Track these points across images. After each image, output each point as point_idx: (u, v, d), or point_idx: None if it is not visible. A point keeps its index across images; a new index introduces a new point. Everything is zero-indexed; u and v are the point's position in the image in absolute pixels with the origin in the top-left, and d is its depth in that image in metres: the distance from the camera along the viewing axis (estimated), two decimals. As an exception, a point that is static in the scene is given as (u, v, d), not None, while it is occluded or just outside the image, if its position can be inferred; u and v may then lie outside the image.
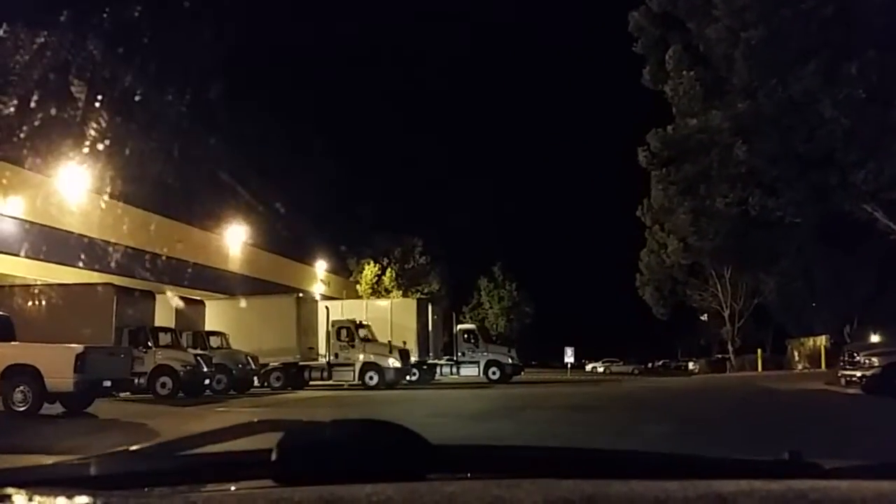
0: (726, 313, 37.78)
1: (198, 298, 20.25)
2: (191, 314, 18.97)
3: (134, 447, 1.13)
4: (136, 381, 14.71)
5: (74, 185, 20.60)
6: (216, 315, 20.38)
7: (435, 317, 26.07)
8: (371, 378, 21.51)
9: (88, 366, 10.80)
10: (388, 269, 40.39)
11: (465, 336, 26.87)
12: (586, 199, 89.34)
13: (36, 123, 16.38)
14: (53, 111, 16.87)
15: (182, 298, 19.15)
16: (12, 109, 15.83)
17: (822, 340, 32.04)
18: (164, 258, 23.41)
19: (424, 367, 24.84)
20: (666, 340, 59.43)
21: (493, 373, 25.83)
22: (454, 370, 26.19)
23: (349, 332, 22.20)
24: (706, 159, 22.06)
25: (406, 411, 12.14)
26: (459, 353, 26.33)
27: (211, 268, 28.43)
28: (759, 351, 35.43)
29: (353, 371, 21.85)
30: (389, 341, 22.51)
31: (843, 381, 15.93)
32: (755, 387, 20.33)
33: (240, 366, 18.83)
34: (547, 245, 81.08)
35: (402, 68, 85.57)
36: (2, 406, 10.85)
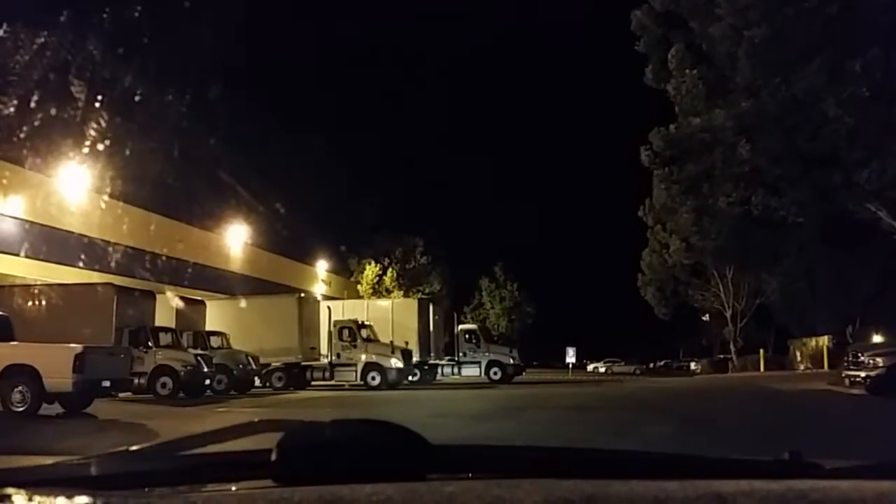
0: (728, 313, 37.69)
1: (198, 298, 20.19)
2: (191, 314, 18.91)
3: (134, 447, 1.12)
4: (136, 381, 14.65)
5: (74, 185, 20.56)
6: (218, 315, 20.33)
7: (436, 317, 26.01)
8: (373, 378, 21.45)
9: (87, 366, 10.73)
10: (390, 270, 40.34)
11: (467, 336, 26.81)
12: (588, 199, 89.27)
13: (36, 123, 16.34)
14: (53, 111, 16.82)
15: (182, 298, 19.09)
16: (12, 109, 15.79)
17: (824, 341, 31.94)
18: (164, 258, 23.36)
19: (426, 367, 24.77)
20: (667, 341, 59.41)
21: (495, 373, 25.77)
22: (455, 370, 26.13)
23: (351, 333, 22.15)
24: (709, 158, 21.99)
25: (407, 411, 12.08)
26: (461, 354, 26.28)
27: (211, 268, 28.38)
28: (762, 351, 35.34)
29: (355, 371, 21.79)
30: (391, 341, 22.46)
31: (846, 381, 15.84)
32: (758, 387, 20.23)
33: (240, 366, 18.77)
34: (548, 245, 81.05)
35: (402, 68, 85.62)
36: (0, 407, 10.79)
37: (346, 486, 0.79)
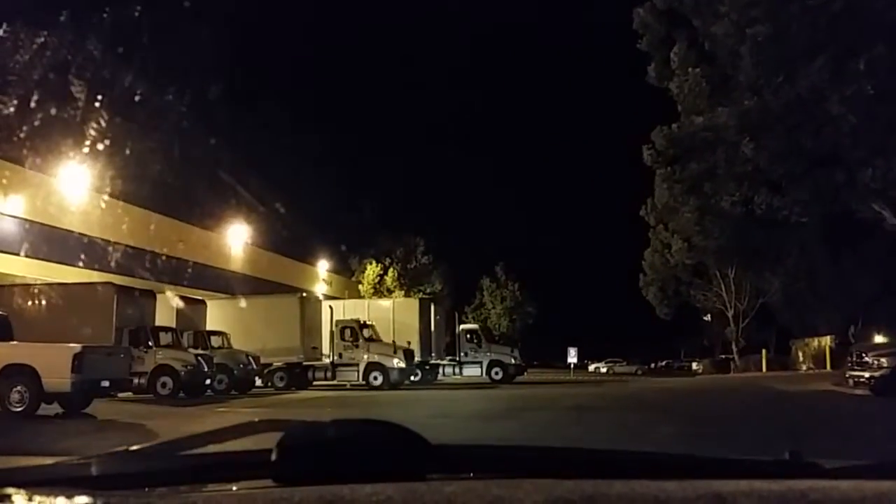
0: (730, 313, 37.60)
1: (199, 298, 20.13)
2: (192, 314, 18.84)
3: (134, 447, 1.12)
4: (136, 381, 14.60)
5: (75, 185, 20.51)
6: (219, 315, 20.28)
7: (437, 317, 25.93)
8: (375, 378, 21.38)
9: (86, 366, 10.67)
10: (391, 269, 40.27)
11: (468, 336, 26.75)
12: (589, 199, 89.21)
13: (36, 123, 16.31)
14: (53, 111, 16.79)
15: (183, 298, 19.03)
16: (12, 109, 15.75)
17: (827, 341, 31.87)
18: (164, 257, 23.30)
19: (427, 367, 24.70)
20: (669, 341, 59.32)
21: (496, 373, 25.71)
22: (457, 370, 26.08)
23: (353, 332, 22.08)
24: (712, 157, 21.87)
25: (409, 412, 12.01)
26: (462, 354, 26.23)
27: (212, 267, 28.31)
28: (764, 351, 35.25)
29: (357, 371, 21.73)
30: (394, 341, 22.39)
31: (850, 381, 15.77)
32: (762, 388, 20.15)
33: (241, 366, 18.71)
34: (550, 245, 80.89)
35: (404, 67, 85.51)
36: (-1, 407, 10.72)
37: (347, 486, 0.79)
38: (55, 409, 11.08)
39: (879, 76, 17.13)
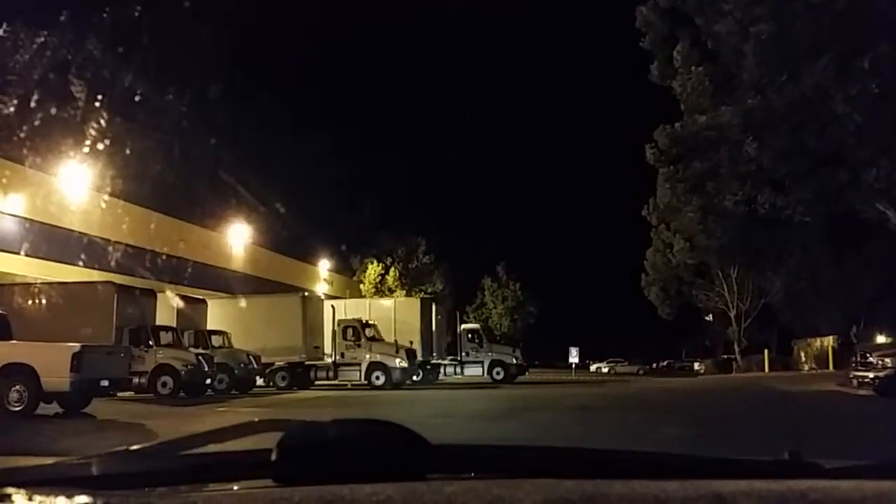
0: (732, 313, 37.51)
1: (199, 297, 20.08)
2: (192, 313, 18.79)
3: (134, 447, 1.12)
4: (136, 380, 14.54)
5: (75, 184, 20.46)
6: (221, 314, 20.23)
7: (439, 316, 25.87)
8: (377, 378, 21.32)
9: (85, 365, 10.61)
10: (392, 269, 40.21)
11: (469, 336, 26.69)
12: (591, 199, 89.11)
13: (36, 123, 16.27)
14: (54, 110, 16.76)
15: (183, 297, 18.97)
16: (12, 109, 15.71)
17: (829, 341, 31.81)
18: (165, 257, 23.22)
19: (428, 367, 24.65)
20: (670, 341, 59.27)
21: (497, 373, 25.65)
22: (458, 370, 26.02)
23: (355, 332, 22.02)
24: (715, 156, 21.78)
25: (410, 411, 11.95)
26: (463, 353, 26.18)
27: (213, 266, 28.25)
28: (766, 351, 35.16)
29: (360, 371, 21.67)
30: (396, 341, 22.32)
31: (854, 382, 15.70)
32: (765, 388, 20.07)
33: (242, 365, 18.65)
34: (551, 244, 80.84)
35: (404, 68, 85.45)
36: (-2, 406, 10.65)
37: (347, 486, 0.79)
38: (54, 408, 11.02)
39: (884, 75, 17.04)
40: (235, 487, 0.94)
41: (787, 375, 27.82)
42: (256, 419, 1.14)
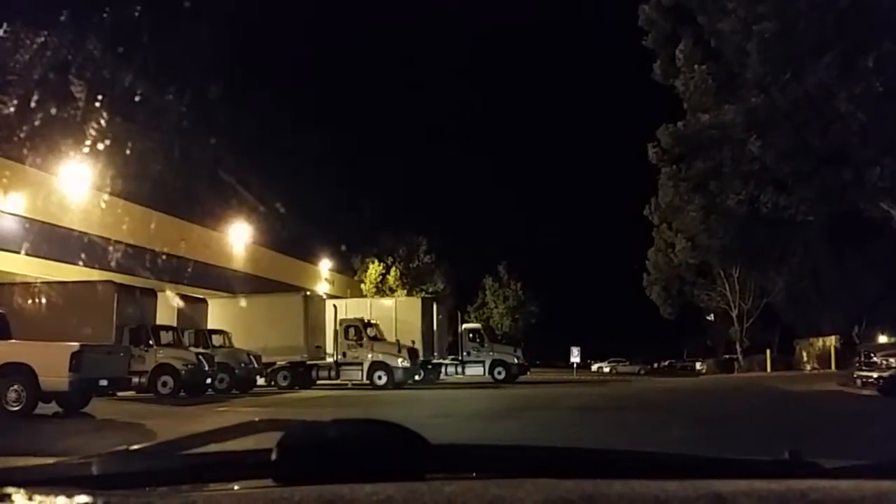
0: (734, 313, 37.44)
1: (200, 297, 20.03)
2: (193, 312, 18.74)
3: (134, 447, 1.13)
4: (137, 380, 14.49)
5: (75, 183, 20.41)
6: (222, 314, 20.20)
7: (440, 316, 25.81)
8: (380, 378, 21.27)
9: (84, 364, 10.54)
10: (393, 268, 40.15)
11: (471, 336, 26.63)
12: (592, 198, 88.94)
13: (37, 122, 16.25)
14: (54, 110, 16.75)
15: (184, 297, 18.93)
16: (13, 108, 15.68)
17: (831, 341, 31.76)
18: (165, 256, 23.17)
19: (429, 366, 24.59)
20: (672, 340, 59.17)
21: (499, 372, 25.58)
22: (459, 370, 25.96)
23: (357, 331, 21.97)
24: (718, 155, 21.67)
25: (411, 411, 11.90)
26: (465, 353, 26.12)
27: (214, 266, 28.19)
28: (768, 351, 35.08)
29: (362, 370, 21.62)
30: (398, 340, 22.25)
31: (858, 382, 15.66)
32: (768, 388, 19.99)
33: (242, 365, 18.60)
34: (553, 244, 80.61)
35: (404, 68, 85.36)
36: (-4, 406, 10.58)
37: (347, 486, 0.79)
38: (53, 407, 10.96)
39: (888, 73, 16.95)
40: (236, 487, 0.94)
41: (789, 375, 27.74)
42: (257, 419, 1.14)
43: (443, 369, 25.90)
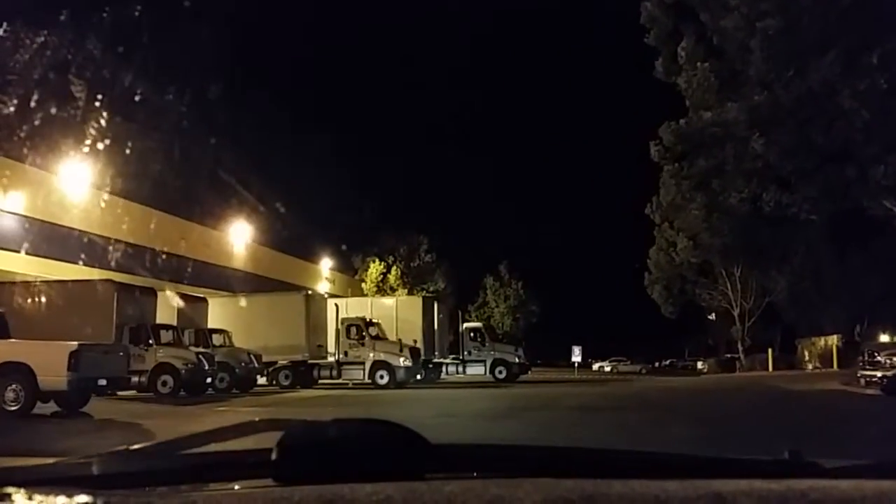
0: (736, 312, 37.34)
1: (200, 296, 19.98)
2: (193, 312, 18.69)
3: (134, 447, 1.12)
4: (136, 379, 14.43)
5: (76, 182, 20.38)
6: (223, 313, 20.14)
7: (441, 315, 25.75)
8: (381, 377, 21.20)
9: (83, 364, 10.47)
10: (394, 268, 40.09)
11: (472, 335, 26.58)
12: (593, 197, 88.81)
13: (37, 122, 16.22)
14: (54, 109, 16.73)
15: (184, 296, 18.87)
16: (13, 108, 15.65)
17: (833, 340, 31.69)
18: (165, 255, 23.11)
19: (430, 365, 24.52)
20: (673, 340, 59.09)
21: (500, 372, 25.53)
22: (460, 369, 25.92)
23: (359, 331, 21.90)
24: (720, 153, 21.60)
25: (412, 411, 11.83)
26: (466, 352, 26.07)
27: (214, 265, 28.14)
28: (770, 350, 34.99)
29: (363, 370, 21.55)
30: (399, 339, 22.19)
31: (862, 381, 15.61)
32: (770, 388, 19.91)
33: (243, 364, 18.55)
34: (554, 243, 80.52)
35: (404, 68, 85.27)
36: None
37: (347, 486, 0.79)
38: (52, 407, 10.89)
39: (892, 70, 16.88)
40: (236, 487, 0.94)
41: (790, 374, 27.66)
42: (257, 418, 1.14)
43: (444, 369, 25.85)
